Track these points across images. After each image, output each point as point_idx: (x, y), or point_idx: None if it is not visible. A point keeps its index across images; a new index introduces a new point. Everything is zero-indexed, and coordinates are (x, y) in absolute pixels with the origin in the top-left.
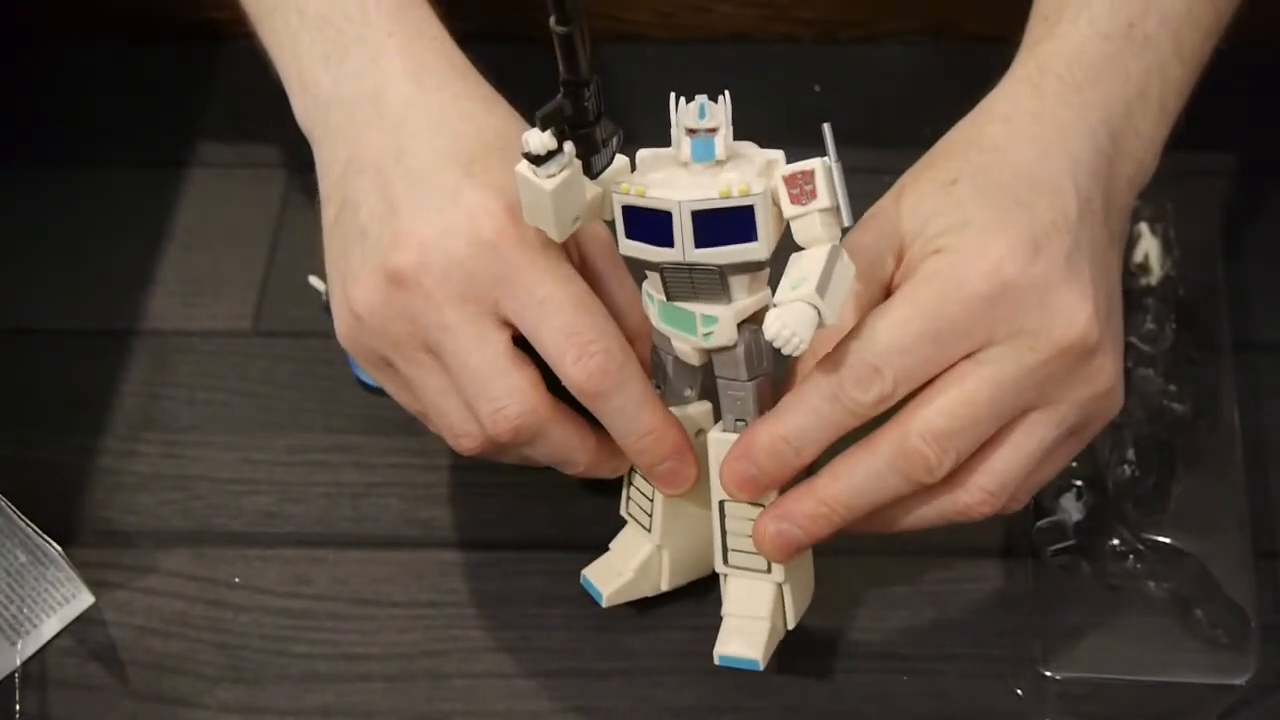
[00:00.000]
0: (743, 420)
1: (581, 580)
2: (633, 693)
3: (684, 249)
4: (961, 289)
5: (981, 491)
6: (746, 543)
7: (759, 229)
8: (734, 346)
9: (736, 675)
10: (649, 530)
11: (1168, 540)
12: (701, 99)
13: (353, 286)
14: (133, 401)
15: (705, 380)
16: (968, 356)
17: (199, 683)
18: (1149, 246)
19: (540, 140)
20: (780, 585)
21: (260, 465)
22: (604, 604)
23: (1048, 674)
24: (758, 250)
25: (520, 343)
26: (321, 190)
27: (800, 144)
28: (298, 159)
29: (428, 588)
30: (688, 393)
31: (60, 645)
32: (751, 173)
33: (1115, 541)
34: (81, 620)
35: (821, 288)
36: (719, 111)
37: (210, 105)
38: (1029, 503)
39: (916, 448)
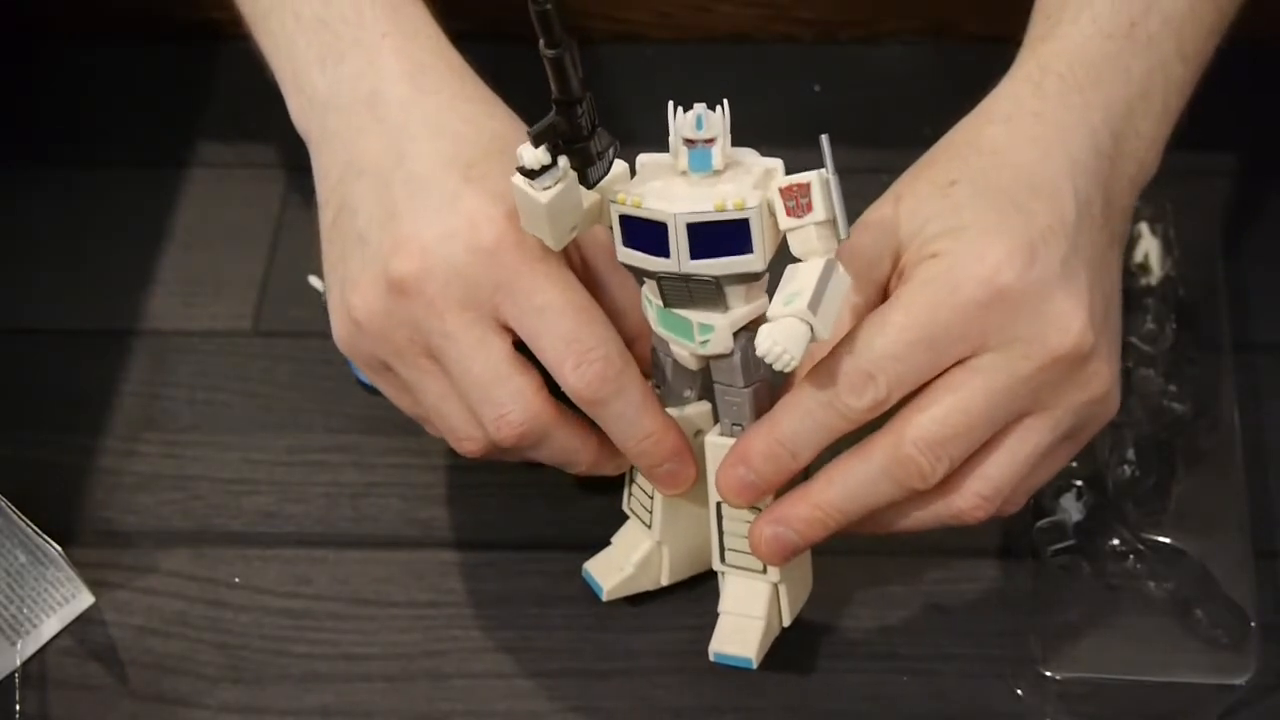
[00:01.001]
0: (739, 425)
1: (582, 573)
2: (633, 693)
3: (679, 260)
4: (956, 295)
5: (976, 496)
6: (743, 543)
7: (754, 241)
8: (731, 354)
9: (736, 675)
10: (649, 527)
11: (1168, 540)
12: (699, 109)
13: (352, 293)
14: (133, 401)
15: (704, 380)
16: (962, 362)
17: (199, 683)
18: (1149, 246)
19: (534, 155)
20: (776, 585)
21: (260, 465)
22: (604, 598)
23: (1048, 674)
24: (753, 262)
25: (521, 348)
26: (319, 194)
27: (800, 144)
28: (298, 159)
29: (428, 588)
30: (687, 394)
31: (60, 645)
32: (749, 184)
33: (1115, 541)
34: (81, 620)
35: (815, 303)
36: (717, 122)
37: (210, 105)
38: (1029, 503)
39: (910, 455)
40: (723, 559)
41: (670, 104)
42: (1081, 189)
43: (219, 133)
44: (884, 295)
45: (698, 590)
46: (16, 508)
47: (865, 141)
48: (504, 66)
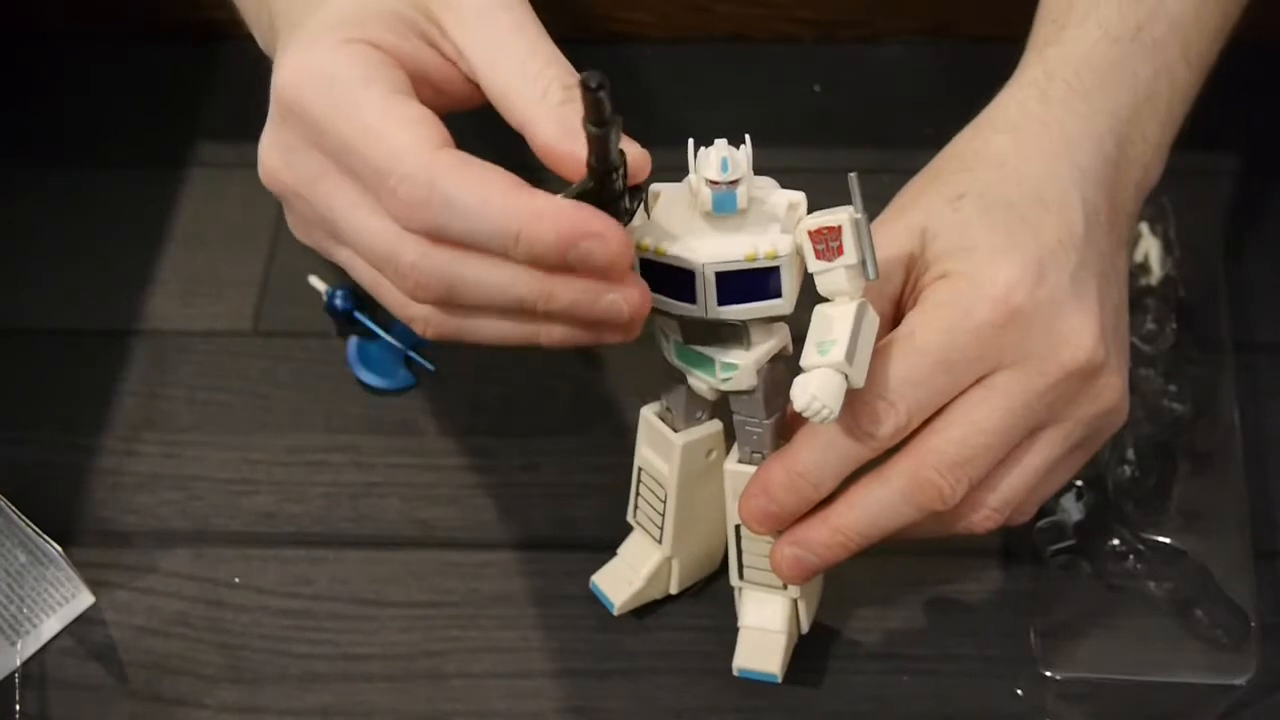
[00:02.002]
0: (759, 454)
1: (591, 586)
2: (633, 693)
3: (707, 306)
4: (971, 317)
5: (987, 509)
6: (763, 561)
7: (784, 287)
8: (753, 390)
9: (736, 675)
10: (659, 541)
11: (1168, 540)
12: (722, 149)
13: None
14: (133, 401)
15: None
16: (977, 381)
17: (199, 683)
18: (1149, 246)
19: None
20: (795, 600)
21: (260, 465)
22: (615, 612)
23: (1048, 674)
24: (782, 306)
25: None
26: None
27: (800, 144)
28: None
29: (428, 588)
30: (699, 415)
31: (60, 645)
32: (776, 228)
33: (1115, 541)
34: (81, 620)
35: (850, 353)
36: (742, 162)
37: (210, 105)
38: None
39: (930, 478)
40: (741, 576)
41: (690, 142)
42: (1090, 199)
43: (219, 133)
44: (897, 310)
45: (698, 591)
46: (16, 508)
47: (865, 141)
48: None
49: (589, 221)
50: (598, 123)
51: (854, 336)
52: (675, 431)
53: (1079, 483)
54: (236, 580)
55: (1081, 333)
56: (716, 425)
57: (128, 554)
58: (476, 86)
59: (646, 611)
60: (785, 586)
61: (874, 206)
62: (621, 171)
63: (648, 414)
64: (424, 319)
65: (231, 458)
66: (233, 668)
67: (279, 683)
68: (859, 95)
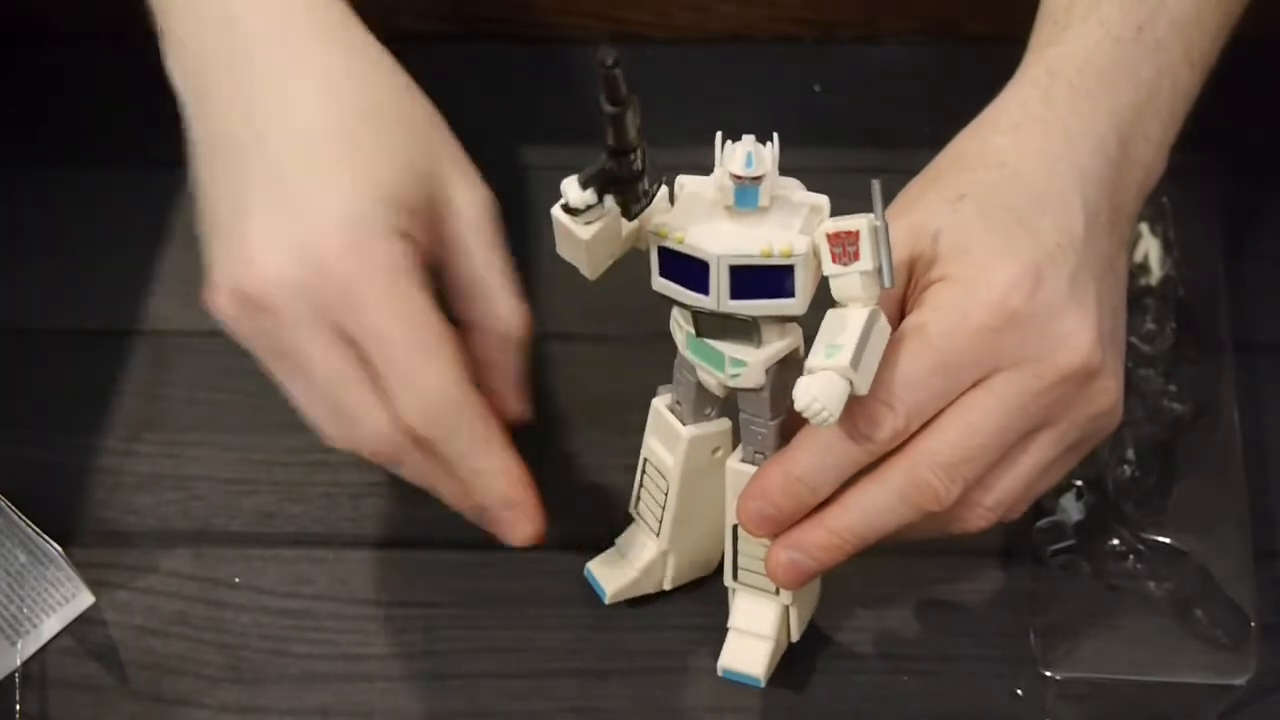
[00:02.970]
0: (762, 454)
1: (585, 573)
2: (632, 693)
3: (719, 299)
4: (969, 320)
5: (980, 508)
6: (758, 564)
7: (797, 287)
8: (761, 389)
9: (720, 676)
10: (656, 534)
11: (1168, 540)
12: (749, 145)
13: (212, 291)
14: (133, 401)
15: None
16: (975, 384)
17: (199, 683)
18: (1149, 246)
19: (580, 196)
20: (787, 607)
21: (260, 465)
22: (607, 601)
23: (1048, 674)
24: (794, 306)
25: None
26: (189, 141)
27: (800, 144)
28: None
29: (428, 588)
30: (708, 411)
31: (60, 645)
32: (796, 225)
33: (1115, 541)
34: (81, 620)
35: (856, 359)
36: (766, 158)
37: None
38: None
39: (926, 479)
40: (735, 577)
41: (719, 135)
42: (1091, 199)
43: None
44: (901, 311)
45: (698, 591)
46: (16, 508)
47: (865, 141)
48: (509, 66)
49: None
50: (613, 101)
51: (862, 342)
52: (684, 425)
53: (1079, 483)
54: (236, 580)
55: (1078, 336)
56: (725, 423)
57: (128, 554)
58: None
59: (646, 612)
60: (778, 591)
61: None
62: (640, 153)
63: (658, 404)
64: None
65: (231, 458)
66: (233, 668)
67: (279, 683)
68: (859, 95)
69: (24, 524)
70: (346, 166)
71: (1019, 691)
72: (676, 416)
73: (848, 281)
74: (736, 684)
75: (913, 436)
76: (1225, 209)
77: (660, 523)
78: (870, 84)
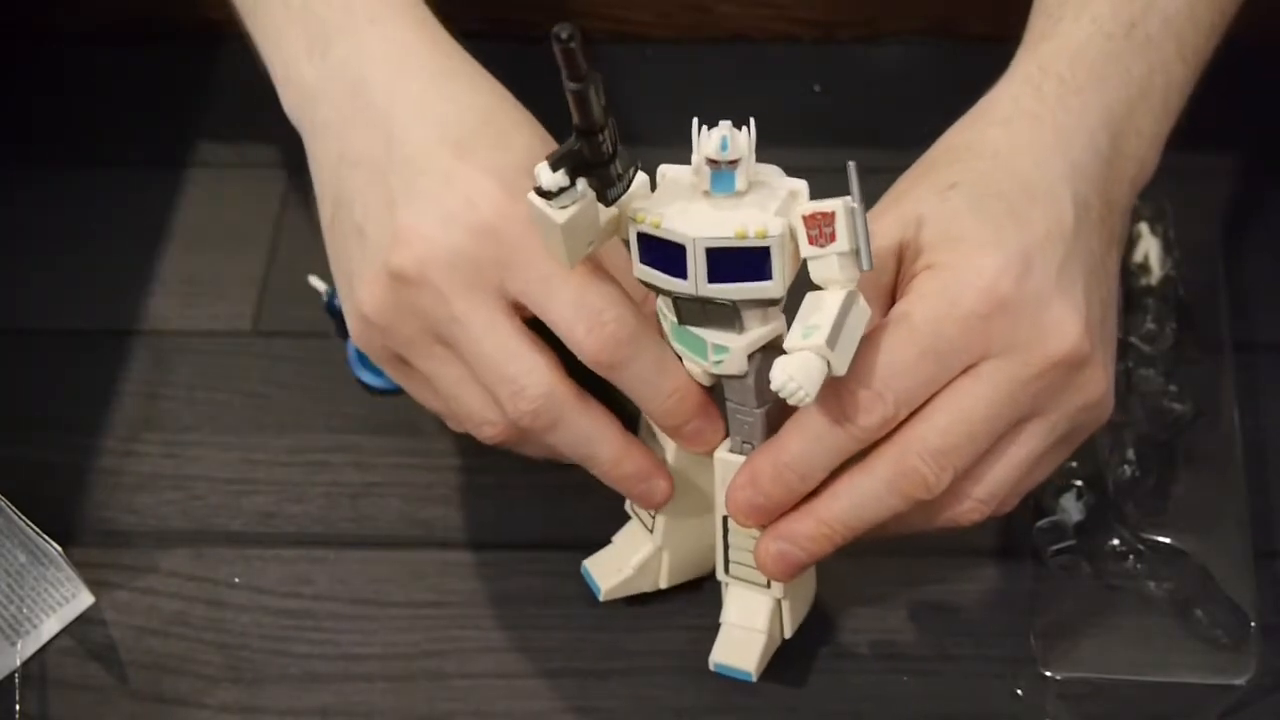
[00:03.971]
0: (750, 444)
1: (581, 570)
2: (632, 693)
3: (697, 283)
4: (957, 307)
5: (971, 500)
6: (748, 556)
7: (774, 269)
8: (744, 376)
9: (711, 670)
10: (651, 531)
11: (1168, 540)
12: (725, 130)
13: (359, 287)
14: (133, 401)
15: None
16: (964, 372)
17: (199, 683)
18: (1149, 246)
19: (552, 178)
20: (779, 600)
21: (260, 465)
22: (601, 598)
23: (1048, 674)
24: (772, 289)
25: (538, 328)
26: (316, 188)
27: (800, 144)
28: (298, 159)
29: (428, 588)
30: None
31: (60, 645)
32: (772, 208)
33: (1115, 541)
34: (81, 620)
35: (833, 339)
36: (742, 143)
37: (210, 105)
38: (1029, 503)
39: (915, 467)
40: (727, 570)
41: (695, 121)
42: (1080, 193)
43: (219, 133)
44: (891, 300)
45: (697, 591)
46: (16, 508)
47: (865, 141)
48: (511, 65)
49: (653, 471)
50: (574, 78)
51: (839, 322)
52: None
53: (1079, 482)
54: (236, 580)
55: (1066, 323)
56: None
57: (128, 554)
58: None
59: (646, 612)
60: (769, 585)
61: (871, 205)
62: (609, 133)
63: None
64: (488, 438)
65: (231, 458)
66: (233, 668)
67: (279, 683)
68: (859, 95)
69: (24, 524)
70: (482, 153)
71: (1019, 691)
72: None
73: (826, 264)
74: (736, 683)
75: (902, 424)
76: (1225, 209)
77: (654, 519)
78: (870, 84)
